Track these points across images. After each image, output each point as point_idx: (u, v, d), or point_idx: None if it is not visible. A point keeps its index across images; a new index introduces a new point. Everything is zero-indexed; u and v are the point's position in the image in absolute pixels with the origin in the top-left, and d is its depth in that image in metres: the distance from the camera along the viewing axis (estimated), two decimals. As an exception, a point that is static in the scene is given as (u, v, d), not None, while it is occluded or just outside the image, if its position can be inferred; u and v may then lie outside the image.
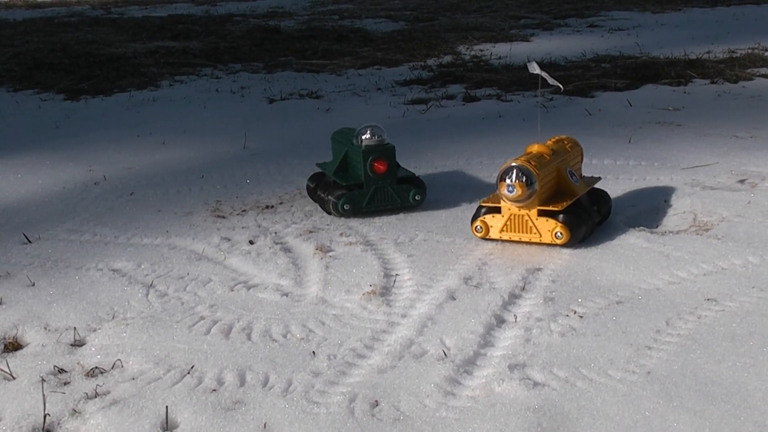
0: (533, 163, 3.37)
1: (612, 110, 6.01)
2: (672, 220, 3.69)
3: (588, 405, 2.26)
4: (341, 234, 3.68)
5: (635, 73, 7.35)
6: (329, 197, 3.87)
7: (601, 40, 9.75)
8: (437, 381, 2.42)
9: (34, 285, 3.26)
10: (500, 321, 2.79)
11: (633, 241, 3.43)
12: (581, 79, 7.16)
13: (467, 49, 9.50)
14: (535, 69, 3.61)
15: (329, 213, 3.91)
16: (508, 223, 3.43)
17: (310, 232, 3.73)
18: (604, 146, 4.93)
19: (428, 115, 6.17)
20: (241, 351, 2.66)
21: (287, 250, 3.53)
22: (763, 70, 7.29)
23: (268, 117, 6.38)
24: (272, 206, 4.11)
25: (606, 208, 3.65)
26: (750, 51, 8.30)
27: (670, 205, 3.87)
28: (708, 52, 8.32)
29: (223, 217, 3.98)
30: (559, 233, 3.33)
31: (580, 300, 2.91)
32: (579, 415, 2.22)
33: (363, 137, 3.88)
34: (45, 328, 2.88)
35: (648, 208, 3.83)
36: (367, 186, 3.85)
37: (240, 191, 4.40)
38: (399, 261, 3.35)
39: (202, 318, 2.91)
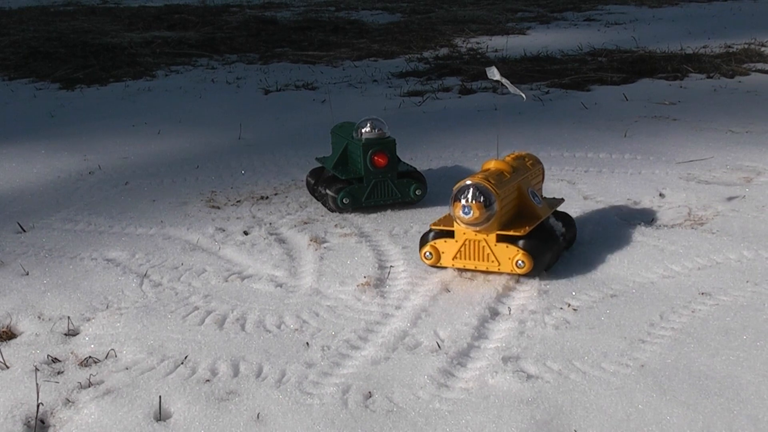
0: (492, 182, 2.99)
1: (608, 104, 6.01)
2: (667, 213, 3.69)
3: (581, 398, 2.26)
4: (336, 225, 3.68)
5: (631, 67, 7.35)
6: (328, 191, 3.82)
7: (598, 33, 9.74)
8: (431, 373, 2.42)
9: (28, 274, 3.25)
10: (494, 313, 2.79)
11: (628, 234, 3.43)
12: (578, 72, 7.16)
13: (464, 41, 9.49)
14: (494, 75, 3.21)
15: (329, 208, 3.85)
16: (463, 249, 3.05)
17: (305, 223, 3.72)
18: (599, 140, 4.93)
19: (424, 107, 6.16)
20: (235, 341, 2.66)
21: (282, 241, 3.53)
22: (760, 65, 7.29)
23: (263, 108, 6.37)
24: (267, 197, 4.11)
25: (571, 233, 3.31)
26: (746, 46, 8.30)
27: (665, 199, 3.87)
28: (704, 47, 8.32)
29: (218, 208, 3.98)
30: (520, 262, 2.95)
31: (574, 293, 2.91)
32: (572, 408, 2.22)
33: (363, 130, 3.81)
34: (39, 318, 2.87)
35: (643, 202, 3.84)
36: (367, 180, 3.80)
37: (235, 182, 4.39)
38: (393, 253, 3.34)
39: (196, 308, 2.91)
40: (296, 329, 2.73)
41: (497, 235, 3.00)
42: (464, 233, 3.04)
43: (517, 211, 3.14)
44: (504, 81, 3.23)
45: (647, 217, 3.65)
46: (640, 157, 4.57)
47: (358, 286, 3.03)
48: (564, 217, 3.33)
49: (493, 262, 3.01)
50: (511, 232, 3.00)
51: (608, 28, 10.32)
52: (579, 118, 5.59)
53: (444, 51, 8.84)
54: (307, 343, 2.63)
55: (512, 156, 3.33)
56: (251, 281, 3.13)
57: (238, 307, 2.91)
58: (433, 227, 3.14)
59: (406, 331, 2.68)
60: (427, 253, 3.09)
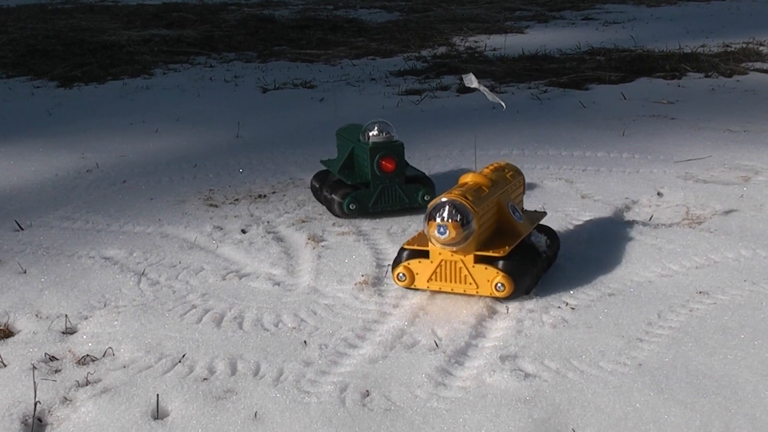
0: (469, 198, 2.80)
1: (606, 103, 6.01)
2: (665, 213, 3.69)
3: (579, 397, 2.26)
4: (334, 224, 3.67)
5: (630, 66, 7.35)
6: (334, 196, 3.71)
7: (596, 32, 9.74)
8: (428, 371, 2.42)
9: (25, 272, 3.25)
10: (492, 312, 2.79)
11: (625, 233, 3.43)
12: (576, 71, 7.16)
13: (462, 40, 9.49)
14: (471, 82, 3.02)
15: (334, 213, 3.75)
16: (438, 270, 2.85)
17: (303, 221, 3.72)
18: (597, 138, 4.93)
19: (422, 105, 6.16)
20: (233, 340, 2.66)
21: (279, 239, 3.53)
22: (758, 65, 7.30)
23: (261, 106, 6.37)
24: (265, 195, 4.11)
25: (554, 248, 3.13)
26: (744, 45, 8.30)
27: (663, 198, 3.88)
28: (703, 46, 8.32)
29: (216, 206, 3.98)
30: (500, 285, 2.77)
31: (572, 292, 2.91)
32: (570, 407, 2.22)
33: (370, 134, 3.69)
34: (36, 316, 2.87)
35: (641, 201, 3.84)
36: (374, 185, 3.68)
37: (233, 180, 4.39)
38: (391, 251, 3.34)
39: (194, 306, 2.90)
40: (294, 328, 2.73)
41: (475, 255, 2.81)
42: (440, 253, 2.84)
43: (496, 227, 2.96)
44: (482, 88, 3.05)
45: (645, 216, 3.65)
46: (638, 156, 4.57)
47: (355, 284, 3.03)
48: (547, 231, 3.17)
49: (470, 284, 2.83)
50: (489, 253, 2.81)
51: (606, 27, 10.32)
52: (577, 117, 5.59)
53: (442, 50, 8.84)
54: (305, 342, 2.63)
55: (491, 168, 3.16)
56: (249, 279, 3.13)
57: (235, 305, 2.91)
58: (407, 246, 2.95)
59: (404, 330, 2.68)
60: (401, 275, 2.90)
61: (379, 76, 7.43)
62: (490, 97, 3.07)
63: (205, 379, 2.43)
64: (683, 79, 6.82)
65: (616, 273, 3.07)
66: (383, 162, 3.67)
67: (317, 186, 3.94)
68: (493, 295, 2.80)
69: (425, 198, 3.75)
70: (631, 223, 3.55)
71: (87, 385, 2.42)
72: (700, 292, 2.88)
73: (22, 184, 4.47)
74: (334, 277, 3.11)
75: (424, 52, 8.67)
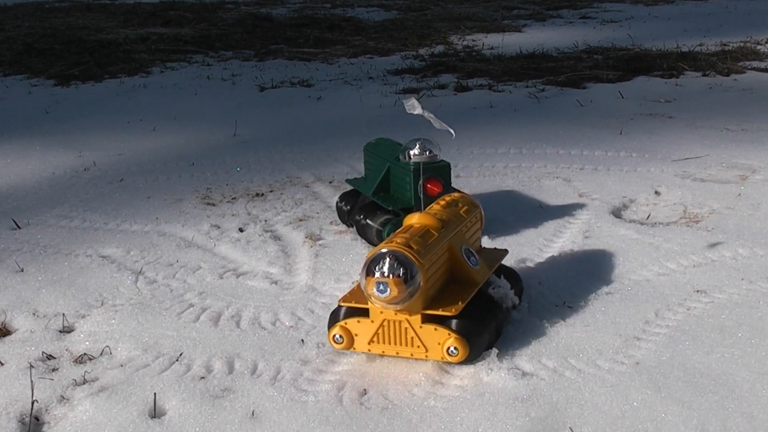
0: (414, 247, 2.36)
1: (604, 102, 6.01)
2: (662, 211, 3.69)
3: (576, 395, 2.26)
4: (331, 222, 3.67)
5: (627, 64, 7.35)
6: (371, 223, 3.33)
7: (594, 31, 9.74)
8: (426, 370, 2.42)
9: (22, 271, 3.25)
10: (490, 311, 2.78)
11: (623, 232, 3.43)
12: (573, 70, 7.16)
13: (459, 39, 9.49)
14: (414, 109, 2.71)
15: (369, 242, 3.37)
16: (381, 332, 2.43)
17: (300, 220, 3.72)
18: (595, 137, 4.93)
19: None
20: (230, 338, 2.65)
21: (277, 238, 3.52)
22: (755, 64, 7.30)
23: (258, 105, 6.37)
24: (262, 194, 4.11)
25: (517, 291, 2.73)
26: (742, 44, 8.30)
27: (660, 197, 3.88)
28: (700, 45, 8.33)
29: (213, 205, 3.97)
30: (452, 349, 2.35)
31: (569, 290, 2.91)
32: (567, 405, 2.22)
33: (411, 152, 3.29)
34: (33, 314, 2.87)
35: (638, 200, 3.84)
36: (416, 211, 3.19)
37: (230, 179, 4.39)
38: (389, 250, 3.33)
39: (191, 305, 2.90)
40: (291, 326, 2.73)
41: (423, 314, 2.39)
42: (381, 312, 2.42)
43: (449, 275, 2.54)
44: (426, 115, 2.77)
45: (643, 215, 3.65)
46: (636, 154, 4.57)
47: (353, 283, 3.02)
48: (507, 273, 2.77)
49: (418, 347, 2.41)
50: (439, 311, 2.38)
51: (604, 26, 10.32)
52: (574, 115, 5.60)
53: (440, 48, 8.84)
54: (302, 341, 2.63)
55: (442, 203, 2.75)
56: (246, 278, 3.13)
57: (233, 304, 2.91)
58: (343, 303, 2.50)
59: (402, 329, 2.67)
60: (337, 336, 2.46)
61: (376, 75, 7.43)
62: (437, 124, 2.79)
63: (203, 377, 2.43)
64: (681, 78, 6.83)
65: (614, 271, 3.07)
66: (428, 185, 3.23)
67: (346, 209, 3.59)
68: (444, 359, 2.39)
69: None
70: (628, 222, 3.55)
71: (84, 383, 2.42)
72: (698, 291, 2.88)
73: (19, 182, 4.46)
74: (331, 276, 3.11)
75: (421, 51, 8.67)
